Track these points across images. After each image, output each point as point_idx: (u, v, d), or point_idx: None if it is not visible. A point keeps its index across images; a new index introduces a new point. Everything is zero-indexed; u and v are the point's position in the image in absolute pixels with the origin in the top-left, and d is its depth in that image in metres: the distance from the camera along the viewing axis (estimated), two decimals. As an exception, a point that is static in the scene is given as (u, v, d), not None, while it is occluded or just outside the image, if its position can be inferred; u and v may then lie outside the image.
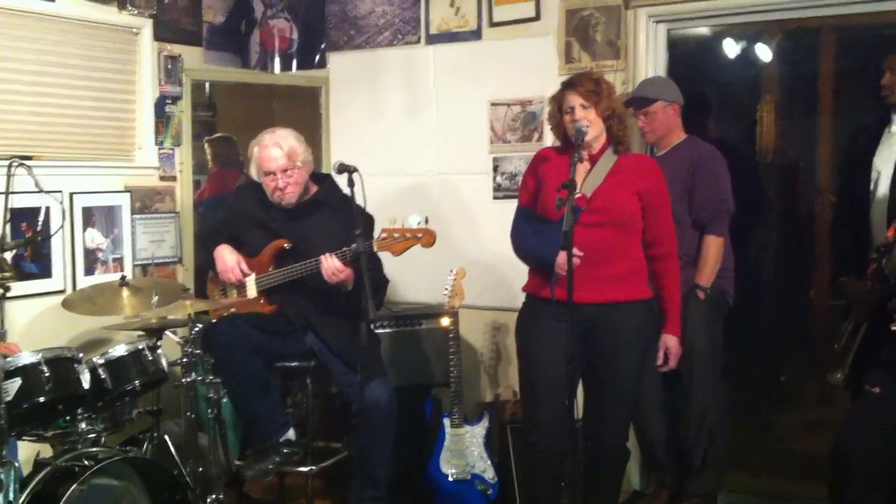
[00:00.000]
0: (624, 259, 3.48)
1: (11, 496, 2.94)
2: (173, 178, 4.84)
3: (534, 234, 3.58)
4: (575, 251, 3.24)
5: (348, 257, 3.78)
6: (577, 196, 3.36)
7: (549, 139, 4.58)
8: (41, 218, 4.15)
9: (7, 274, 3.33)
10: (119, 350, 3.69)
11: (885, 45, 4.01)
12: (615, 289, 3.47)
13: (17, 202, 4.07)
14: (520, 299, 3.72)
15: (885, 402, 3.26)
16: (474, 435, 4.34)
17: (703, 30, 4.98)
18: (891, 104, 3.86)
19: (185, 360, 3.76)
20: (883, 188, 3.85)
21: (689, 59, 4.97)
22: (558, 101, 3.53)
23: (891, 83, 3.81)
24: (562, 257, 3.27)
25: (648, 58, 4.47)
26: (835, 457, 3.29)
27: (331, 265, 3.80)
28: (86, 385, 3.48)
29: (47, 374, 3.32)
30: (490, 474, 4.30)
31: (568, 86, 3.51)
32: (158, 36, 4.74)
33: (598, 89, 3.45)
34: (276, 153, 4.00)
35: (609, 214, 3.43)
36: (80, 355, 3.54)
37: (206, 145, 5.52)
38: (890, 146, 3.88)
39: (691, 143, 4.20)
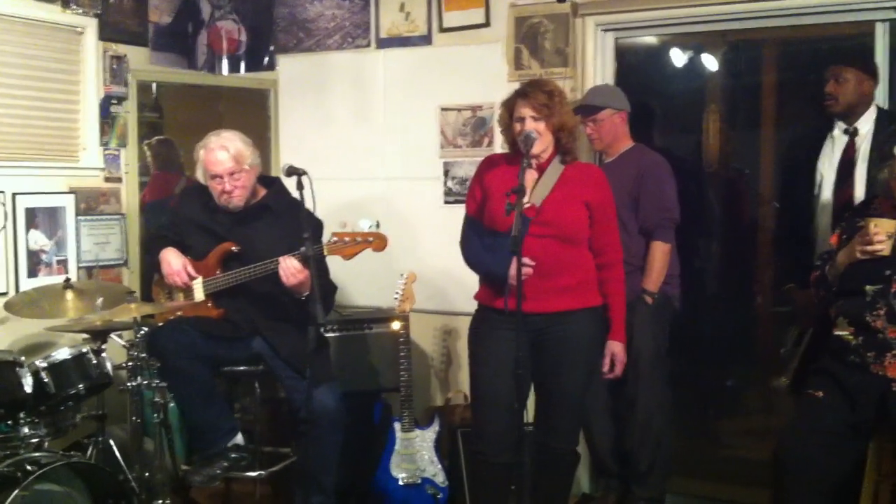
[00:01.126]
0: (572, 270, 3.50)
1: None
2: (119, 180, 4.78)
3: (484, 249, 3.58)
4: (527, 261, 3.27)
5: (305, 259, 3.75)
6: (527, 206, 3.38)
7: (499, 145, 4.60)
8: (-18, 219, 4.08)
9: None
10: (62, 353, 3.63)
11: (823, 58, 4.11)
12: (564, 299, 3.49)
13: (-43, 203, 3.99)
14: (471, 304, 3.72)
15: (827, 407, 3.30)
16: (424, 439, 4.33)
17: (650, 39, 5.05)
18: (833, 112, 3.95)
19: (130, 363, 3.70)
20: (826, 193, 3.94)
21: (637, 67, 5.03)
22: (509, 107, 3.54)
23: (834, 91, 3.90)
24: (514, 269, 3.28)
25: (597, 66, 4.51)
26: (776, 461, 3.33)
27: (289, 266, 3.76)
28: (28, 389, 3.43)
29: (-13, 378, 3.26)
30: (440, 478, 4.30)
31: (520, 95, 3.51)
32: (103, 35, 4.67)
33: (551, 103, 3.44)
34: (222, 156, 3.95)
35: (557, 228, 3.45)
36: (22, 359, 3.48)
37: (145, 148, 5.45)
38: (832, 152, 3.97)
39: (639, 151, 4.24)
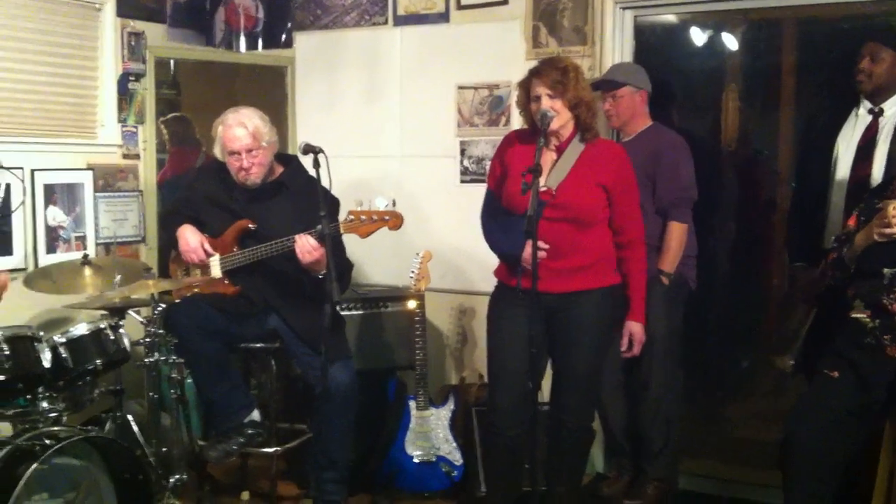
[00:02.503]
0: (587, 251, 3.51)
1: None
2: (136, 157, 4.80)
3: (500, 229, 3.59)
4: (541, 244, 3.27)
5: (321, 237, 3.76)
6: (543, 189, 3.38)
7: (517, 124, 4.58)
8: (1, 194, 4.09)
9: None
10: (80, 329, 3.66)
11: (844, 38, 4.06)
12: (578, 279, 3.50)
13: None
14: (486, 283, 3.74)
15: (841, 387, 3.30)
16: (439, 417, 4.36)
17: (669, 17, 5.01)
18: (863, 90, 3.90)
19: (147, 339, 3.74)
20: (842, 171, 3.91)
21: (656, 46, 4.99)
22: (525, 87, 3.53)
23: (868, 68, 3.84)
24: (527, 251, 3.30)
25: (615, 44, 4.49)
26: (786, 441, 3.33)
27: (306, 243, 3.76)
28: (46, 364, 3.45)
29: (7, 353, 3.30)
30: (455, 456, 4.32)
31: (534, 73, 3.50)
32: (121, 12, 4.68)
33: (565, 79, 3.42)
34: (240, 133, 3.96)
35: (571, 211, 3.44)
36: (41, 334, 3.50)
37: (161, 126, 5.46)
38: (853, 130, 3.93)
39: (656, 130, 4.22)
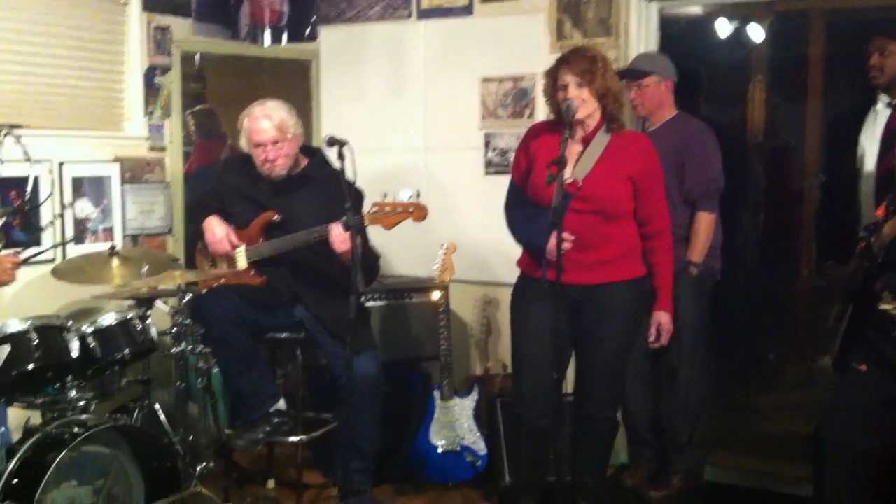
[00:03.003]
0: (613, 244, 3.50)
1: (-3, 462, 2.94)
2: (163, 149, 4.82)
3: (525, 220, 3.59)
4: (566, 235, 3.27)
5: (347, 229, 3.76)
6: (569, 181, 3.37)
7: (541, 116, 4.59)
8: (30, 187, 4.13)
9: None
10: (108, 319, 3.68)
11: (871, 30, 4.04)
12: (603, 272, 3.49)
13: (6, 171, 4.03)
14: (509, 274, 3.73)
15: (870, 379, 3.28)
16: (464, 407, 4.36)
17: (695, 9, 4.99)
18: (878, 85, 3.89)
19: (174, 329, 3.76)
20: (868, 166, 3.89)
21: (681, 38, 4.98)
22: (553, 75, 3.52)
23: (879, 64, 3.84)
24: (552, 243, 3.29)
25: (640, 36, 4.47)
26: (817, 435, 3.31)
27: (341, 232, 3.77)
28: (74, 353, 3.48)
29: (36, 342, 3.32)
30: (479, 446, 4.33)
31: (562, 62, 3.49)
32: (147, 6, 4.70)
33: (593, 68, 3.41)
34: (266, 125, 3.98)
35: (597, 204, 3.43)
36: (70, 324, 3.53)
37: (188, 117, 5.50)
38: (874, 125, 3.92)
39: (682, 119, 4.20)
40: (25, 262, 3.66)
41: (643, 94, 4.15)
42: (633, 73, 4.15)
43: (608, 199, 3.45)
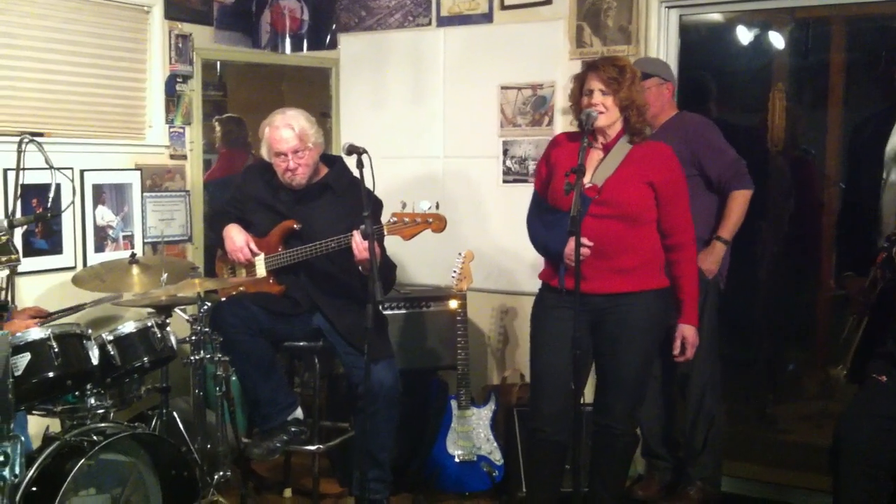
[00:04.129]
0: (634, 251, 3.47)
1: (17, 470, 2.95)
2: (184, 157, 4.86)
3: (544, 225, 3.58)
4: (585, 241, 3.25)
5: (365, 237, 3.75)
6: (588, 186, 3.36)
7: (560, 124, 4.60)
8: (51, 195, 4.15)
9: (13, 256, 3.34)
10: (128, 327, 3.70)
11: (893, 36, 4.00)
12: (624, 280, 3.46)
13: (28, 178, 4.07)
14: (528, 284, 3.74)
15: (889, 391, 3.26)
16: (481, 417, 4.36)
17: (715, 16, 4.96)
18: None
19: (193, 337, 3.78)
20: (893, 176, 3.85)
21: (701, 45, 4.96)
22: (580, 80, 3.51)
23: None
24: (570, 248, 3.29)
25: (660, 44, 4.46)
26: (835, 446, 3.29)
27: (360, 240, 3.76)
28: (94, 361, 3.49)
29: (56, 350, 3.33)
30: (496, 456, 4.32)
31: (591, 68, 3.48)
32: (169, 14, 4.74)
33: (621, 77, 3.41)
34: (287, 134, 4.00)
35: (618, 208, 3.41)
36: (89, 331, 3.54)
37: (216, 124, 5.53)
38: None
39: (680, 116, 4.19)
40: (49, 317, 3.70)
41: (646, 96, 4.12)
42: None
43: (629, 203, 3.43)
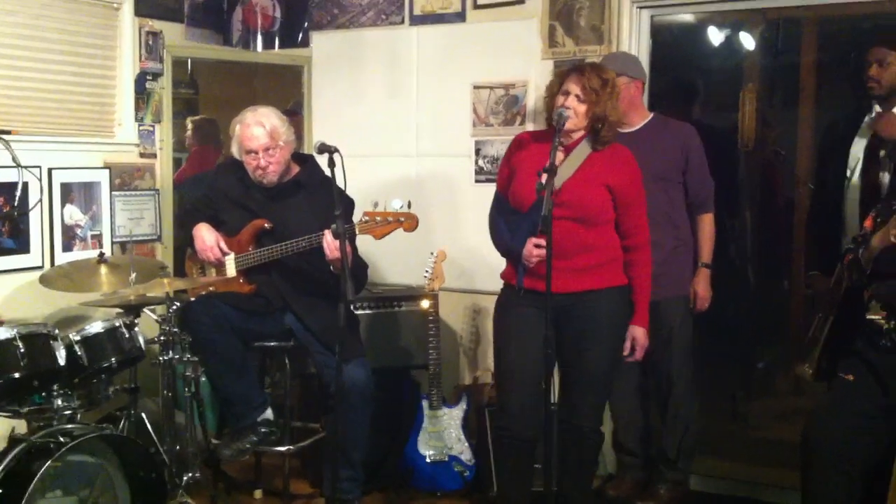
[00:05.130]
0: (594, 251, 3.49)
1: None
2: (153, 156, 4.82)
3: (507, 227, 3.59)
4: (540, 242, 3.26)
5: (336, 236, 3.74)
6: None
7: (532, 123, 4.59)
8: (18, 193, 4.12)
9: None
10: (96, 327, 3.68)
11: (864, 37, 4.03)
12: (585, 279, 3.48)
13: (-6, 176, 4.04)
14: (500, 283, 3.73)
15: (858, 390, 3.27)
16: (452, 417, 4.36)
17: (686, 17, 4.99)
18: (874, 95, 3.88)
19: (162, 338, 3.76)
20: (858, 176, 3.88)
21: (673, 46, 4.98)
22: (562, 78, 3.51)
23: (878, 75, 3.81)
24: (527, 248, 3.33)
25: (632, 44, 4.47)
26: (804, 443, 3.31)
27: (333, 240, 3.73)
28: (61, 361, 3.48)
29: (22, 350, 3.32)
30: (467, 456, 4.33)
31: (577, 70, 3.48)
32: (139, 11, 4.70)
33: (601, 91, 3.40)
34: (258, 132, 3.97)
35: (576, 210, 3.42)
36: (56, 331, 3.53)
37: (188, 122, 5.49)
38: (867, 135, 3.91)
39: (663, 121, 4.19)
40: None
41: None
42: None
43: (587, 205, 3.44)
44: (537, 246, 3.32)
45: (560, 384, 3.65)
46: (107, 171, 4.59)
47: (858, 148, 3.93)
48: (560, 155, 3.47)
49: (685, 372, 4.18)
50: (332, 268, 3.82)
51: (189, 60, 5.25)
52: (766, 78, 5.58)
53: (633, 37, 4.47)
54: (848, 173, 3.93)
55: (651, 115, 4.20)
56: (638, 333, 3.58)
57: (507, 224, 3.58)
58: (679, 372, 4.16)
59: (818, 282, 3.81)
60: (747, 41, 5.48)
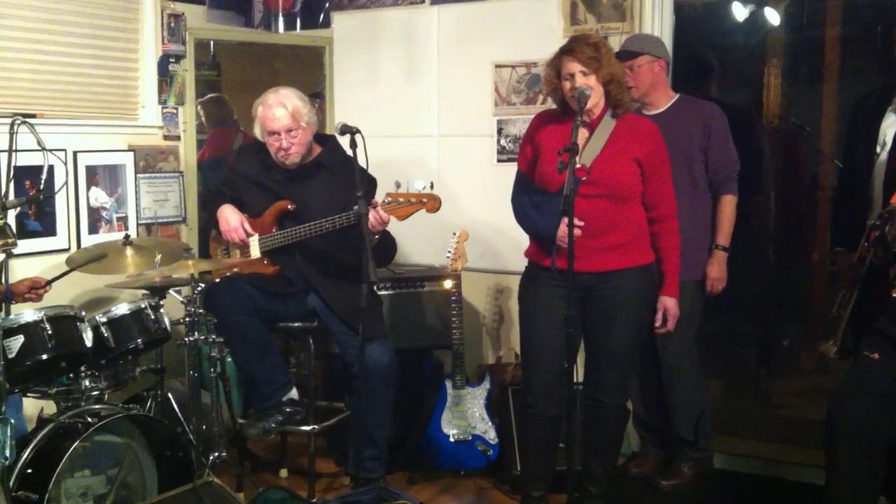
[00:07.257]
0: (622, 229, 3.49)
1: (8, 453, 2.96)
2: (177, 138, 4.84)
3: (533, 207, 3.58)
4: (576, 222, 3.26)
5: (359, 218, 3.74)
6: (577, 167, 3.35)
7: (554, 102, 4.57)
8: (44, 176, 4.14)
9: (10, 240, 3.35)
10: (121, 309, 3.71)
11: (889, 12, 3.96)
12: (613, 258, 3.48)
13: (20, 160, 4.05)
14: (522, 263, 3.73)
15: (882, 368, 3.25)
16: (475, 396, 4.37)
17: (710, -8, 4.95)
18: None
19: (187, 319, 3.78)
20: (885, 153, 3.83)
21: (696, 21, 4.94)
22: (556, 66, 3.49)
23: None
24: (562, 230, 3.30)
25: (654, 21, 4.43)
26: (828, 422, 3.30)
27: (381, 215, 3.74)
28: (88, 343, 3.51)
29: (49, 332, 3.35)
30: (491, 435, 4.34)
31: (566, 52, 3.45)
32: (162, -7, 4.72)
33: (598, 55, 3.39)
34: (280, 113, 3.98)
35: (607, 187, 3.42)
36: (83, 313, 3.56)
37: (197, 107, 5.51)
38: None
39: (690, 102, 4.15)
40: (50, 283, 3.72)
41: (636, 75, 4.06)
42: (624, 55, 4.04)
43: (618, 182, 3.44)
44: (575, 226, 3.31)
45: (585, 362, 3.67)
46: (131, 153, 4.62)
47: (888, 123, 3.88)
48: (585, 132, 3.47)
49: (688, 359, 4.16)
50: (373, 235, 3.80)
51: (211, 42, 5.26)
52: (790, 53, 5.53)
53: (655, 13, 4.43)
54: (878, 149, 3.88)
55: (676, 96, 4.16)
56: (669, 304, 3.60)
57: (533, 203, 3.57)
58: (681, 359, 4.13)
59: (842, 258, 3.79)
60: (771, 16, 5.43)
